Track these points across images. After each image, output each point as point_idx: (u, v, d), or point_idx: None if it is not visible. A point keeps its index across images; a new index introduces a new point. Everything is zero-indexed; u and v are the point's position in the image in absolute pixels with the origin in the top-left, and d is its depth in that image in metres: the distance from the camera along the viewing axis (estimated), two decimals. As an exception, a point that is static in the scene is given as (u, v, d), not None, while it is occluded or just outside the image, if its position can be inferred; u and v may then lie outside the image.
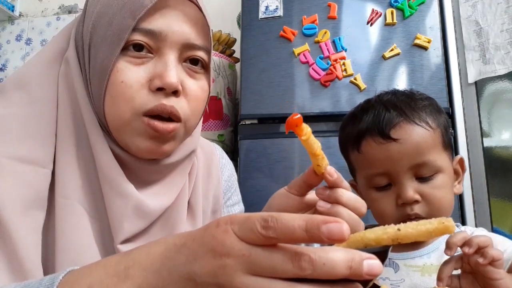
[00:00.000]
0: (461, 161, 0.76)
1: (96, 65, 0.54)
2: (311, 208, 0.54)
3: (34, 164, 0.51)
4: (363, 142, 0.73)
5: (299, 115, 0.44)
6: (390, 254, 0.72)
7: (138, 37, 0.53)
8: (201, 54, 0.58)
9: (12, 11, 2.57)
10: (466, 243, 0.52)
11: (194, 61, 0.58)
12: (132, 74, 0.53)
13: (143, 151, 0.56)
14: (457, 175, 0.75)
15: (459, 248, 0.53)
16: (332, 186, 0.50)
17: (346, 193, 0.49)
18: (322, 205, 0.49)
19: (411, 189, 0.68)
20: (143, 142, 0.55)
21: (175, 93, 0.54)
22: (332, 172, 0.49)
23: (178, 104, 0.55)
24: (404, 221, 0.68)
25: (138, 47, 0.54)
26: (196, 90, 0.58)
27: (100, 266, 0.35)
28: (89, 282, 0.33)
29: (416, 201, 0.68)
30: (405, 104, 0.72)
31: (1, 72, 2.56)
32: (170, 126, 0.54)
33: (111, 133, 0.56)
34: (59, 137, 0.55)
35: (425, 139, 0.69)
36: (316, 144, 0.47)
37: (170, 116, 0.55)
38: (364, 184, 0.75)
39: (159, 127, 0.53)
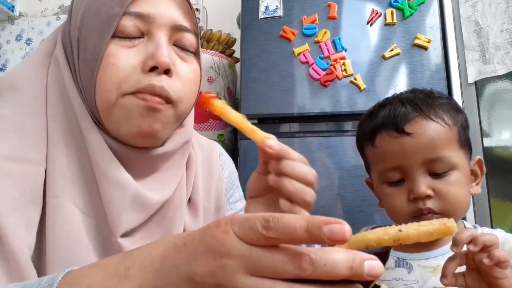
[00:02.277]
0: (479, 162, 0.75)
1: (86, 55, 0.54)
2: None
3: (26, 162, 0.51)
4: (377, 136, 0.73)
5: (212, 93, 0.44)
6: (404, 255, 0.72)
7: (128, 21, 0.54)
8: (189, 36, 0.59)
9: (12, 11, 2.57)
10: (472, 241, 0.51)
11: (183, 44, 0.59)
12: (123, 57, 0.53)
13: (135, 131, 0.55)
14: (475, 176, 0.74)
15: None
16: (277, 158, 0.48)
17: (290, 164, 0.48)
18: (271, 178, 0.49)
19: (424, 184, 0.67)
20: (134, 121, 0.54)
21: (167, 72, 0.54)
22: (271, 144, 0.48)
23: (169, 84, 0.55)
24: (417, 216, 0.68)
25: (128, 32, 0.54)
26: (188, 72, 0.58)
27: (99, 267, 0.35)
28: (89, 282, 0.33)
29: (429, 196, 0.67)
30: (422, 101, 0.72)
31: (1, 72, 2.56)
32: (157, 99, 0.54)
33: (104, 124, 0.56)
34: (50, 135, 0.54)
35: (440, 135, 0.69)
36: (236, 117, 0.47)
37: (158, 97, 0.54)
38: (378, 179, 0.75)
39: (147, 97, 0.53)
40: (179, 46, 0.59)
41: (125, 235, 0.55)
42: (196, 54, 0.61)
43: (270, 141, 0.48)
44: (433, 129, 0.69)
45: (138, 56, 0.54)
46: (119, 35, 0.54)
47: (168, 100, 0.55)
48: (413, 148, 0.68)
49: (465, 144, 0.73)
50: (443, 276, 0.53)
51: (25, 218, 0.49)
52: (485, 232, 0.72)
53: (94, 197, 0.55)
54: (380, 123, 0.73)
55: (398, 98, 0.75)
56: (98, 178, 0.54)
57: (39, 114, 0.55)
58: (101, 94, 0.54)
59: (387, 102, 0.76)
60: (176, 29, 0.57)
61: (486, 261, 0.50)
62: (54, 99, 0.56)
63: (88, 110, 0.56)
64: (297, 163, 0.48)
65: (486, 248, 0.51)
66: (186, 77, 0.58)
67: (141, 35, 0.55)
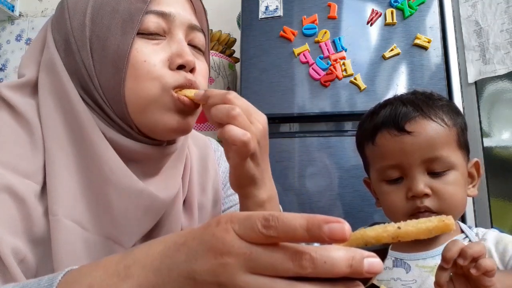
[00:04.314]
0: (477, 165, 0.75)
1: (106, 54, 0.54)
2: None
3: (17, 174, 0.49)
4: (378, 134, 0.74)
5: None
6: (402, 255, 0.73)
7: (150, 20, 0.55)
8: (201, 36, 0.61)
9: (12, 11, 2.57)
10: (460, 254, 0.52)
11: (196, 44, 0.61)
12: (152, 54, 0.54)
13: (171, 128, 0.56)
14: (472, 178, 0.75)
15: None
16: (204, 101, 0.54)
17: (210, 98, 0.52)
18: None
19: (422, 182, 0.68)
20: (172, 117, 0.55)
21: (192, 70, 0.57)
22: (198, 93, 0.54)
23: (196, 80, 0.57)
24: (414, 215, 0.69)
25: (152, 29, 0.55)
26: (202, 70, 0.61)
27: (99, 266, 0.35)
28: (89, 282, 0.33)
29: (426, 195, 0.68)
30: (422, 102, 0.73)
31: (1, 72, 2.56)
32: (194, 104, 0.57)
33: (131, 119, 0.55)
34: (47, 147, 0.52)
35: (440, 135, 0.70)
36: None
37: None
38: (376, 177, 0.76)
39: (186, 101, 0.55)
40: (192, 45, 0.60)
41: (133, 245, 0.55)
42: (205, 53, 0.64)
43: (198, 92, 0.54)
44: (433, 129, 0.70)
45: (163, 54, 0.55)
46: (143, 32, 0.55)
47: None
48: (413, 147, 0.69)
49: (464, 146, 0.74)
50: (438, 285, 0.53)
51: (15, 226, 0.48)
52: (480, 233, 0.73)
53: (100, 210, 0.53)
54: (381, 121, 0.74)
55: (399, 99, 0.76)
56: (106, 190, 0.53)
57: (32, 128, 0.53)
58: (137, 91, 0.54)
59: (388, 102, 0.77)
60: (191, 28, 0.59)
61: (473, 271, 0.50)
62: (49, 110, 0.54)
63: (103, 111, 0.55)
64: (216, 93, 0.52)
65: (474, 260, 0.51)
66: (202, 74, 0.60)
67: (163, 33, 0.56)
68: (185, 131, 0.59)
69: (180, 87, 0.55)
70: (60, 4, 0.59)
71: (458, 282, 0.54)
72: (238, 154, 0.51)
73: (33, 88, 0.57)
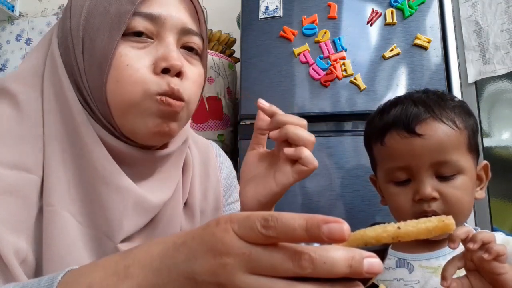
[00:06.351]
0: (485, 167, 0.75)
1: (94, 54, 0.54)
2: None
3: (22, 170, 0.50)
4: (387, 135, 0.73)
5: None
6: (405, 255, 0.73)
7: (138, 22, 0.54)
8: (196, 40, 0.60)
9: (12, 11, 2.57)
10: (470, 239, 0.52)
11: (190, 48, 0.59)
12: (136, 58, 0.53)
13: (152, 132, 0.55)
14: (480, 180, 0.74)
15: (460, 247, 0.53)
16: (270, 114, 0.58)
17: (283, 115, 0.56)
18: (273, 133, 0.57)
19: (430, 186, 0.67)
20: (153, 121, 0.55)
21: (178, 74, 0.55)
22: (261, 101, 0.57)
23: (182, 86, 0.56)
24: (420, 218, 0.68)
25: (138, 33, 0.54)
26: (194, 74, 0.59)
27: (99, 266, 0.35)
28: (89, 282, 0.33)
29: (434, 199, 0.67)
30: (434, 102, 0.72)
31: (1, 72, 2.56)
32: (179, 102, 0.56)
33: (114, 121, 0.55)
34: (47, 141, 0.53)
35: (450, 138, 0.69)
36: None
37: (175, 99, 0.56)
38: (384, 178, 0.75)
39: (171, 102, 0.54)
40: (186, 48, 0.59)
41: (124, 240, 0.55)
42: (202, 56, 0.62)
43: (260, 100, 0.57)
44: (443, 132, 0.69)
45: (149, 58, 0.54)
46: (130, 35, 0.54)
47: (182, 100, 0.57)
48: (422, 150, 0.68)
49: (474, 149, 0.73)
50: (443, 278, 0.53)
51: (17, 225, 0.48)
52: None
53: (92, 205, 0.54)
54: (391, 122, 0.73)
55: (410, 98, 0.75)
56: (97, 185, 0.53)
57: (34, 121, 0.54)
58: (119, 95, 0.53)
59: (398, 101, 0.76)
60: (184, 32, 0.57)
61: (485, 256, 0.50)
62: (50, 105, 0.55)
63: (91, 110, 0.55)
64: (287, 114, 0.56)
65: (484, 245, 0.51)
66: (193, 79, 0.59)
67: (151, 36, 0.55)
68: (165, 136, 0.58)
69: (163, 94, 0.54)
70: (67, 4, 0.60)
71: (473, 278, 0.54)
72: (302, 176, 0.55)
73: (40, 80, 0.57)
